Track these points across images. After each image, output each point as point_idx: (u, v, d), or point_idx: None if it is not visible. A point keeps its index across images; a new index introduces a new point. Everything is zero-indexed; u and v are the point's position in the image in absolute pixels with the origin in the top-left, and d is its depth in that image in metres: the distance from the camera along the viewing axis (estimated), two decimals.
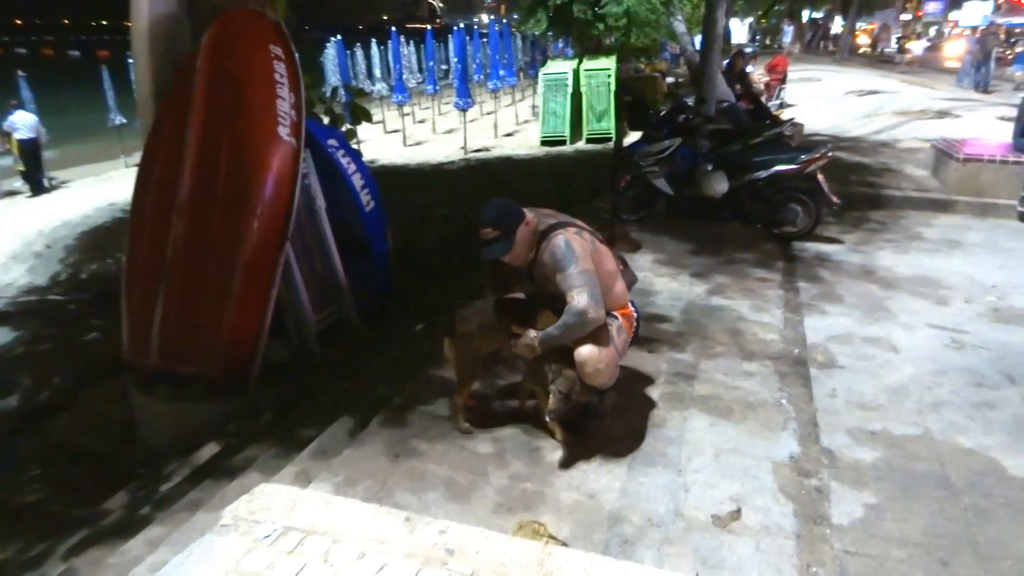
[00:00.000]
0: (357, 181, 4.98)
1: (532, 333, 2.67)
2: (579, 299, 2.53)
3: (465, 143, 11.70)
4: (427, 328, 4.63)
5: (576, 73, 11.62)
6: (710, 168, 5.67)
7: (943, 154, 6.94)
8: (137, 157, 11.87)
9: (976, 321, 4.13)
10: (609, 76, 11.42)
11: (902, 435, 2.98)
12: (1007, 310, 4.29)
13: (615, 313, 2.77)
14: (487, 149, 11.85)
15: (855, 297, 4.50)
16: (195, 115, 3.99)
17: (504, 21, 15.50)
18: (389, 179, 8.68)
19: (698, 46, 21.07)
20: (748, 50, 12.13)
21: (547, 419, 2.72)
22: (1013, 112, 10.88)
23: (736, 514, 2.47)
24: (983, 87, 15.39)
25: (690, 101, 6.91)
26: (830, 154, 5.40)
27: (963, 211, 6.40)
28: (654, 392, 3.30)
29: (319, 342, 4.58)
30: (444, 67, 18.01)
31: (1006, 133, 8.68)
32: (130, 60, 11.66)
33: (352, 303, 4.90)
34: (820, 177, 5.41)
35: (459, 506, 2.50)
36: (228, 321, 3.98)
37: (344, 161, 4.93)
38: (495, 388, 3.33)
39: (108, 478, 3.70)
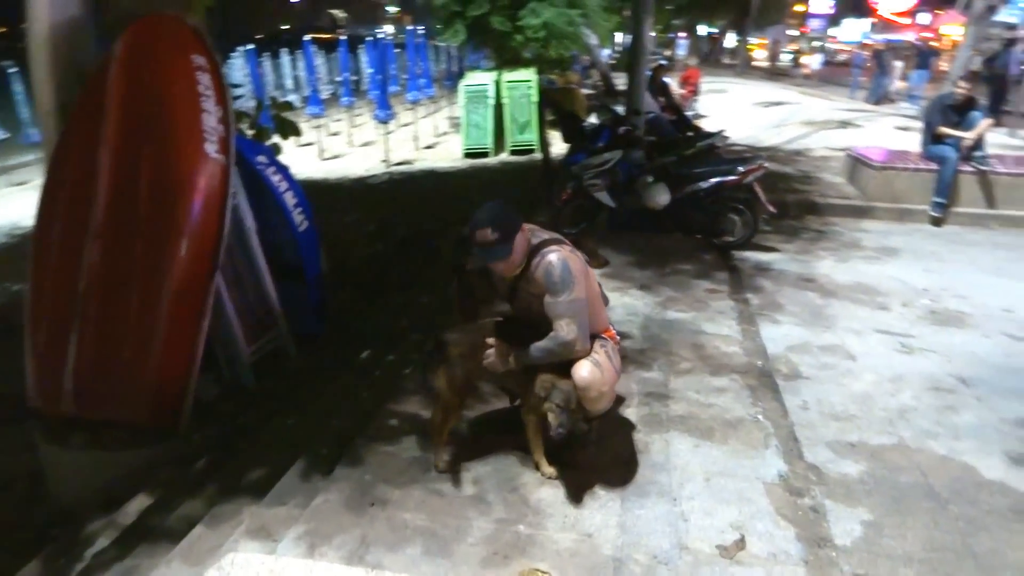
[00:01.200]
0: (289, 200, 4.65)
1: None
2: (568, 330, 2.38)
3: (387, 156, 11.35)
4: (374, 355, 4.35)
5: (497, 85, 11.51)
6: (651, 180, 5.66)
7: (859, 162, 7.26)
8: (20, 176, 10.88)
9: (918, 325, 4.26)
10: (530, 88, 11.37)
11: (879, 445, 2.98)
12: (943, 312, 4.45)
13: (604, 336, 2.63)
14: (409, 162, 11.53)
15: (801, 306, 4.56)
16: (109, 131, 3.57)
17: (422, 32, 15.21)
18: (310, 195, 8.22)
19: (606, 57, 21.38)
20: (663, 62, 12.40)
21: (555, 437, 2.51)
22: (908, 123, 11.67)
23: (741, 543, 2.37)
24: (874, 100, 16.42)
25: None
26: (766, 165, 5.50)
27: (882, 217, 6.70)
28: (631, 414, 3.18)
29: (253, 374, 4.22)
30: (354, 78, 17.50)
31: (905, 141, 9.25)
32: (11, 68, 10.70)
33: (288, 331, 4.56)
34: (757, 187, 5.50)
35: (449, 560, 2.27)
36: (155, 358, 3.57)
37: (275, 179, 4.59)
38: (466, 420, 3.10)
39: (13, 545, 3.23)
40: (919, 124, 10.60)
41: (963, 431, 3.10)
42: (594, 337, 2.56)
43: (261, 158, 4.59)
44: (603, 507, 2.55)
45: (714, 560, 2.29)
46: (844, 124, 11.75)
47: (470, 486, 2.69)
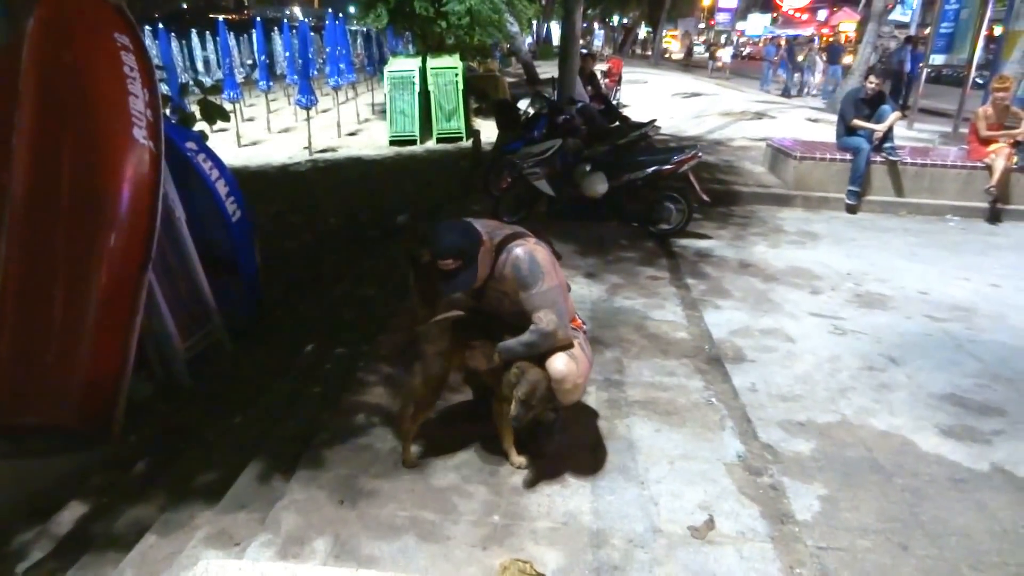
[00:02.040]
0: (221, 188, 4.44)
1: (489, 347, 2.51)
2: (548, 320, 2.37)
3: (309, 143, 10.97)
4: (319, 349, 4.20)
5: (423, 71, 11.32)
6: (588, 169, 5.72)
7: (780, 152, 7.59)
8: None
9: (846, 307, 4.50)
10: (456, 75, 11.25)
11: (825, 423, 3.13)
12: (867, 295, 4.72)
13: (572, 326, 2.64)
14: (333, 149, 11.20)
15: (739, 291, 4.73)
16: (25, 116, 3.28)
17: (340, 15, 14.76)
18: None
19: (527, 46, 21.36)
20: (585, 51, 12.53)
21: (511, 426, 2.51)
22: (817, 115, 12.27)
23: (710, 523, 2.44)
24: (786, 92, 17.20)
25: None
26: (700, 155, 5.66)
27: (801, 205, 7.03)
28: (591, 401, 3.21)
29: (188, 372, 4.01)
30: (267, 61, 16.85)
31: (817, 132, 9.73)
32: None
33: (223, 326, 4.36)
34: (691, 176, 5.65)
35: (434, 549, 2.23)
36: (83, 358, 3.36)
37: (205, 166, 4.36)
38: (436, 411, 3.04)
39: None
40: (828, 116, 11.23)
41: (898, 407, 3.30)
42: None
43: (190, 144, 4.35)
44: (575, 492, 2.56)
45: (687, 541, 2.35)
46: (759, 115, 12.26)
47: (447, 475, 2.65)
